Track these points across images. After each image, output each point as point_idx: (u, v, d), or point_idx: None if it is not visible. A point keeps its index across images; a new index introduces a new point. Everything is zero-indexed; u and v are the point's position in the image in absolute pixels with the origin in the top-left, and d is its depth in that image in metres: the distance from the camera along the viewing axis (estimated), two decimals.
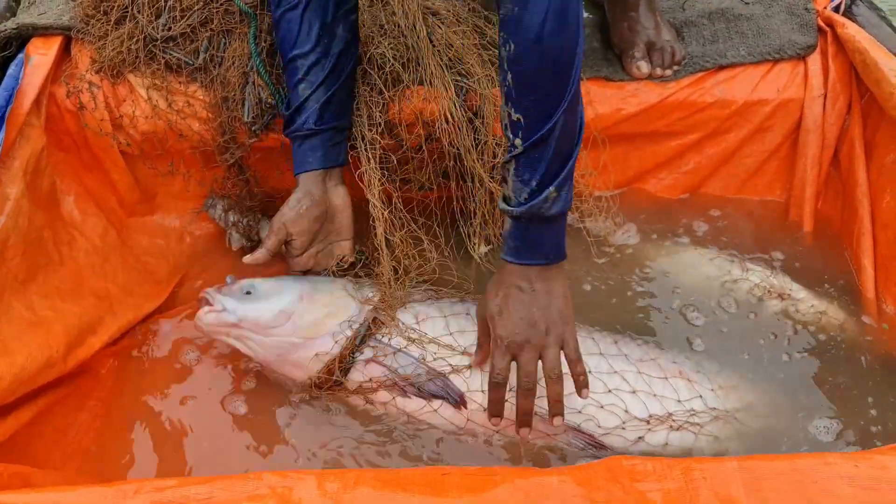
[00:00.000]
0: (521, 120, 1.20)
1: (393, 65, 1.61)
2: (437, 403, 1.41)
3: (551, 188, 1.23)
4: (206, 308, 1.46)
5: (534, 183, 1.23)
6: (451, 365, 1.43)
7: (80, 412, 1.51)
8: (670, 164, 1.91)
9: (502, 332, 1.31)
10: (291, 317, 1.45)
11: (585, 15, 1.86)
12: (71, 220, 1.69)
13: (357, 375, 1.45)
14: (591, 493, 1.01)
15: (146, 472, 1.43)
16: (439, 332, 1.48)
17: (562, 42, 1.15)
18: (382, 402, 1.45)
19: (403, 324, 1.48)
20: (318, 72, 1.53)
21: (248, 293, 1.48)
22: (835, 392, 1.52)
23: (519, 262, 1.29)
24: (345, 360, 1.44)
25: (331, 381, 1.45)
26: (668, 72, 1.79)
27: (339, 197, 1.61)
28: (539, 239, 1.28)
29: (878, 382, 1.53)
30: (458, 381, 1.42)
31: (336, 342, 1.46)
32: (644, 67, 1.78)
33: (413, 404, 1.42)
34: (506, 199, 1.28)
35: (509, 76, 1.19)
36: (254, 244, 1.83)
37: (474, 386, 1.42)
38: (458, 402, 1.40)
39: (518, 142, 1.22)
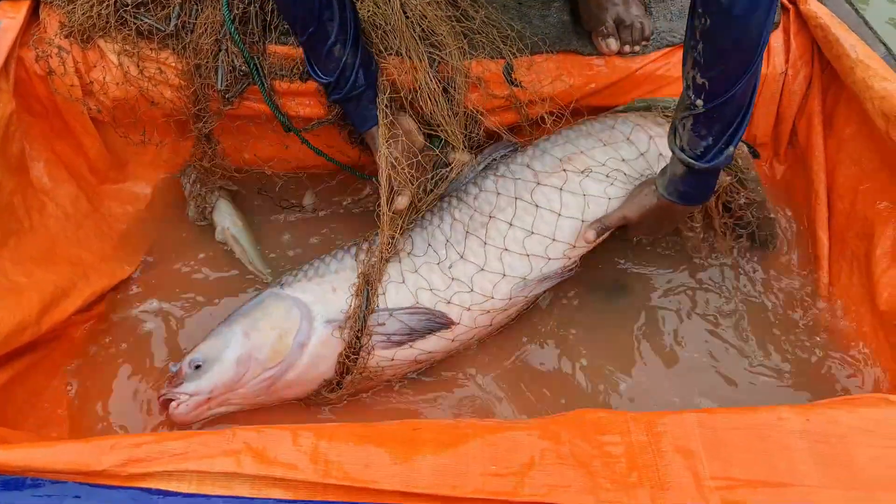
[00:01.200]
0: (706, 84, 1.27)
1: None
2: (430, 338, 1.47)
3: (731, 147, 1.34)
4: (173, 405, 1.43)
5: (710, 139, 1.33)
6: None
7: (53, 378, 1.53)
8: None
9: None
10: (250, 357, 1.44)
11: None
12: (41, 186, 1.69)
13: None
14: (557, 447, 1.06)
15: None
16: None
17: (754, 20, 1.19)
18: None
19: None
20: (345, 33, 1.51)
21: (198, 366, 1.45)
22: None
23: (684, 203, 1.47)
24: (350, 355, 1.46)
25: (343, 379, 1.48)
26: (637, 48, 1.82)
27: (408, 121, 1.64)
28: (708, 186, 1.44)
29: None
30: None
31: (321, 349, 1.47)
32: (613, 45, 1.80)
33: (409, 351, 1.48)
34: (681, 148, 1.38)
35: (700, 46, 1.24)
36: (204, 222, 1.85)
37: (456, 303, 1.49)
38: (447, 323, 1.48)
39: (699, 102, 1.29)
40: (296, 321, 1.47)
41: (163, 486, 0.98)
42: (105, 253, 1.72)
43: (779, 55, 1.84)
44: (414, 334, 1.45)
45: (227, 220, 1.83)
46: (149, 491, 0.98)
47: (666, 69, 1.83)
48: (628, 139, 1.68)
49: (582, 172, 1.62)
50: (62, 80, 1.66)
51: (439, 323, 1.47)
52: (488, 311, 1.52)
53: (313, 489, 0.99)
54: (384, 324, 1.45)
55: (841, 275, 1.70)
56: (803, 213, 1.82)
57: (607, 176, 1.62)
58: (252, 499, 0.98)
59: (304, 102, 1.72)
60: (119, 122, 1.76)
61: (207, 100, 1.69)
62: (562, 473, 1.02)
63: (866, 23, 1.86)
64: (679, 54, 1.84)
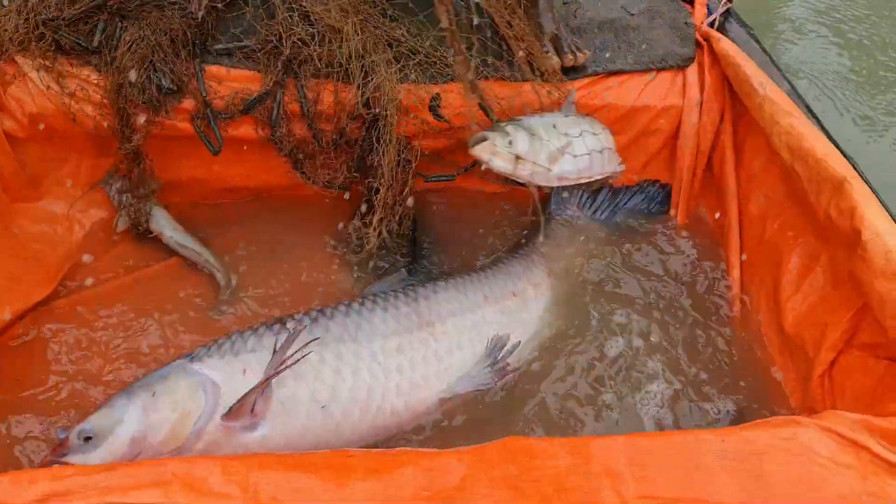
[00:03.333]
0: None
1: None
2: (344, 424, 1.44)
3: None
4: None
5: None
6: None
7: None
8: None
9: None
10: (145, 438, 1.33)
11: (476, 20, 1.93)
12: None
13: (250, 440, 1.39)
14: (489, 470, 1.07)
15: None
16: None
17: None
18: None
19: None
20: None
21: (88, 438, 1.31)
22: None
23: None
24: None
25: None
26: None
27: None
28: None
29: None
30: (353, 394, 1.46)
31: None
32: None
33: (324, 430, 1.43)
34: None
35: None
36: (140, 231, 1.81)
37: (375, 388, 1.48)
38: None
39: None
40: (199, 404, 1.37)
41: None
42: (18, 275, 1.65)
43: (694, 87, 1.94)
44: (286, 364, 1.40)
45: (166, 227, 1.81)
46: None
47: (590, 97, 1.93)
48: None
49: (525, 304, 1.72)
50: None
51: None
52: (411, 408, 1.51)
53: None
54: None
55: (751, 297, 1.79)
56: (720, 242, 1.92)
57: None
58: None
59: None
60: (35, 137, 1.69)
61: (130, 118, 1.65)
62: (493, 496, 1.04)
63: (772, 61, 1.98)
64: (601, 85, 1.93)
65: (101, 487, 0.97)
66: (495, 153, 1.61)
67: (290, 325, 1.52)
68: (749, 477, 1.10)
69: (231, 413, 1.36)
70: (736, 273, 1.83)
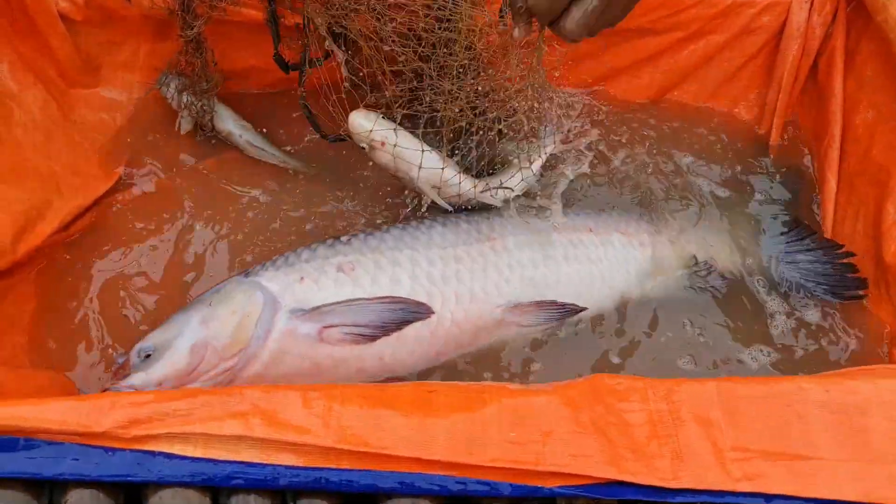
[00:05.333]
0: None
1: None
2: (407, 332, 1.38)
3: None
4: None
5: None
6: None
7: (28, 302, 1.44)
8: (645, 64, 1.86)
9: None
10: (207, 345, 1.30)
11: None
12: (6, 90, 1.54)
13: (318, 351, 1.36)
14: (576, 413, 1.02)
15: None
16: None
17: None
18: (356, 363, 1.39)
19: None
20: None
21: (148, 356, 1.31)
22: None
23: None
24: None
25: None
26: None
27: None
28: None
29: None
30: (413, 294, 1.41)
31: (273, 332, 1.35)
32: None
33: (385, 343, 1.37)
34: None
35: None
36: (205, 132, 1.73)
37: (434, 294, 1.42)
38: (425, 313, 1.38)
39: None
40: (258, 304, 1.34)
41: (167, 448, 0.93)
42: (78, 167, 1.60)
43: None
44: (387, 326, 1.35)
45: (233, 125, 1.73)
46: (153, 454, 0.92)
47: None
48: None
49: (601, 244, 1.59)
50: None
51: (416, 312, 1.37)
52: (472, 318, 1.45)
53: (325, 455, 0.95)
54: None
55: (846, 221, 1.67)
56: (815, 157, 1.77)
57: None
58: (261, 464, 0.94)
59: None
60: (91, 20, 1.59)
61: (192, 2, 1.53)
62: (582, 442, 0.99)
63: None
64: None
65: (180, 415, 0.94)
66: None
67: (344, 239, 1.48)
68: (850, 433, 1.03)
69: (303, 314, 1.35)
70: (831, 190, 1.70)
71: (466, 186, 1.53)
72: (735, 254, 1.67)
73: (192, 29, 1.54)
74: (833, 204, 1.70)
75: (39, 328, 1.42)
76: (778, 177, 1.80)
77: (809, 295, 1.59)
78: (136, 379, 1.29)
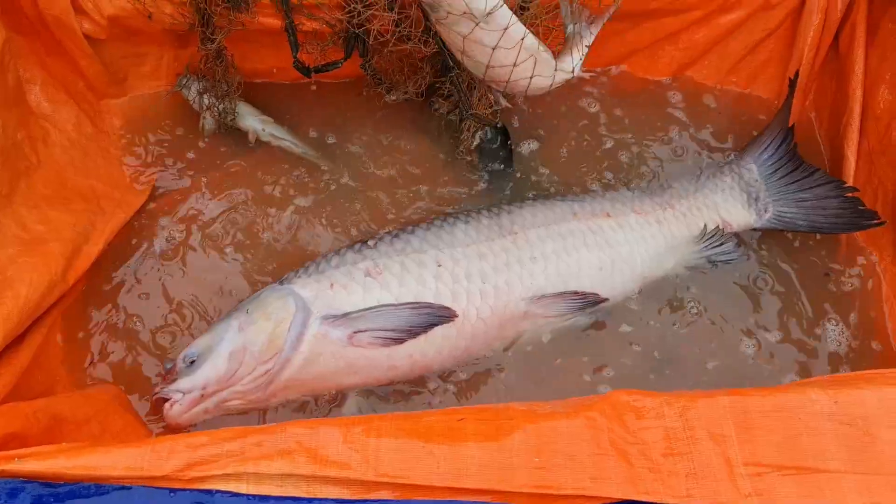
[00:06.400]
0: None
1: None
2: (435, 331, 1.45)
3: None
4: (167, 406, 1.39)
5: None
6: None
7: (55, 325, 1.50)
8: (664, 43, 1.85)
9: None
10: (245, 350, 1.40)
11: None
12: (41, 111, 1.60)
13: (350, 352, 1.44)
14: (597, 435, 1.09)
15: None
16: None
17: None
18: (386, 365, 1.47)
19: None
20: None
21: (192, 362, 1.41)
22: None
23: None
24: None
25: None
26: None
27: None
28: None
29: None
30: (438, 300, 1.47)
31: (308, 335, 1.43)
32: None
33: (414, 343, 1.45)
34: None
35: None
36: (228, 130, 1.77)
37: (459, 293, 1.48)
38: (450, 316, 1.45)
39: None
40: (290, 310, 1.42)
41: (223, 486, 1.02)
42: (116, 179, 1.66)
43: None
44: (414, 330, 1.43)
45: (255, 121, 1.77)
46: (210, 493, 1.02)
47: None
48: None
49: (619, 227, 1.61)
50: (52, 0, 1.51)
51: (441, 316, 1.44)
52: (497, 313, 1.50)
53: (366, 487, 1.04)
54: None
55: (864, 200, 1.68)
56: (833, 134, 1.76)
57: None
58: (307, 498, 1.03)
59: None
60: (115, 37, 1.63)
61: (211, 14, 1.56)
62: (603, 465, 1.07)
63: None
64: None
65: (233, 456, 1.03)
66: None
67: (371, 243, 1.55)
68: (859, 444, 1.09)
69: (334, 320, 1.43)
70: (850, 168, 1.70)
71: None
72: (749, 208, 1.70)
73: (212, 42, 1.57)
74: (852, 182, 1.70)
75: (77, 347, 1.51)
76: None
77: (823, 231, 1.66)
78: (183, 384, 1.41)
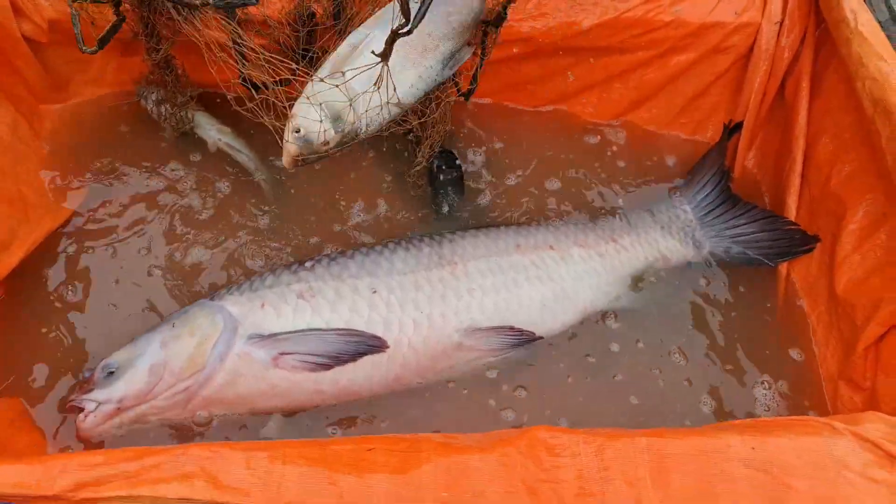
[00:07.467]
0: None
1: None
2: (364, 359, 1.42)
3: None
4: (80, 417, 1.35)
5: None
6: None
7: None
8: (613, 82, 1.86)
9: None
10: (165, 366, 1.36)
11: None
12: None
13: (273, 374, 1.40)
14: (509, 473, 1.07)
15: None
16: None
17: None
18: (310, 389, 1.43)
19: None
20: None
21: (111, 373, 1.37)
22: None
23: None
24: None
25: None
26: None
27: None
28: None
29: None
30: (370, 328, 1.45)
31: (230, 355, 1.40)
32: None
33: (342, 368, 1.41)
34: None
35: None
36: (187, 138, 1.75)
37: (392, 321, 1.46)
38: (380, 346, 1.42)
39: None
40: (217, 328, 1.39)
41: None
42: (46, 187, 1.62)
43: (776, 2, 1.73)
44: (341, 357, 1.40)
45: (212, 131, 1.76)
46: None
47: (656, 12, 1.72)
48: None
49: (562, 260, 1.61)
50: None
51: (371, 346, 1.42)
52: (430, 344, 1.48)
53: None
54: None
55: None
56: (776, 181, 1.78)
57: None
58: None
59: None
60: (57, 41, 1.60)
61: (155, 24, 1.53)
62: (511, 502, 1.04)
63: None
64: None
65: (128, 477, 0.99)
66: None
67: (308, 265, 1.52)
68: (774, 493, 1.08)
69: (259, 340, 1.40)
70: (791, 215, 1.71)
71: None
72: (686, 245, 1.71)
73: (157, 52, 1.55)
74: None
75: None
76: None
77: (760, 263, 1.68)
78: (99, 394, 1.36)
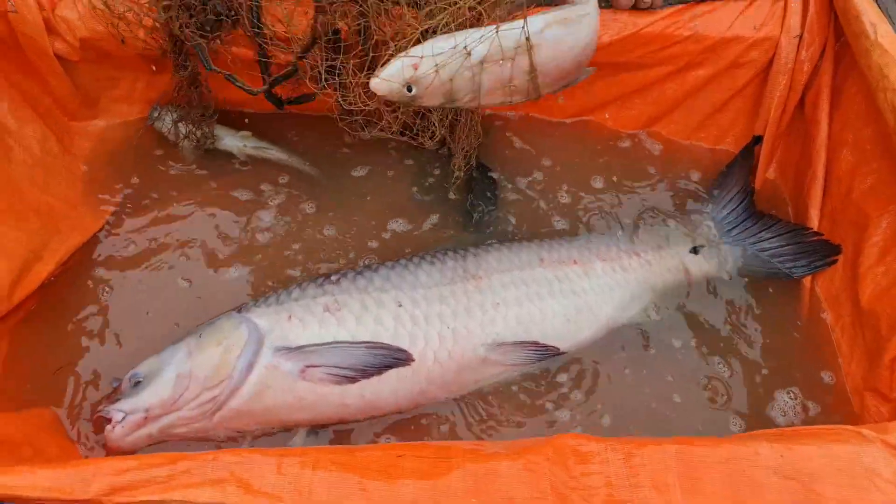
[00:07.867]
0: None
1: None
2: (389, 373, 1.42)
3: None
4: (108, 428, 1.35)
5: None
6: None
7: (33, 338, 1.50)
8: (632, 97, 1.88)
9: None
10: (191, 375, 1.37)
11: None
12: (5, 127, 1.59)
13: (300, 387, 1.40)
14: (537, 480, 1.07)
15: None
16: None
17: None
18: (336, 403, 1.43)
19: None
20: None
21: (138, 382, 1.39)
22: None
23: None
24: None
25: None
26: (658, 0, 1.71)
27: None
28: None
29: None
30: (396, 341, 1.45)
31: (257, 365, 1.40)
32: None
33: (367, 382, 1.41)
34: None
35: None
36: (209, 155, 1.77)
37: (417, 335, 1.46)
38: (406, 359, 1.42)
39: None
40: (243, 338, 1.40)
41: None
42: (77, 200, 1.65)
43: (795, 16, 1.74)
44: (367, 370, 1.40)
45: (234, 139, 1.79)
46: None
47: (675, 28, 1.74)
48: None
49: (585, 274, 1.62)
50: (24, 19, 1.52)
51: (397, 359, 1.41)
52: (455, 358, 1.48)
53: None
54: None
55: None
56: (797, 193, 1.78)
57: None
58: None
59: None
60: (88, 59, 1.64)
61: (183, 41, 1.57)
62: None
63: None
64: (689, 13, 1.74)
65: (160, 482, 1.00)
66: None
67: (333, 278, 1.53)
68: (803, 500, 1.08)
69: (287, 352, 1.41)
70: (814, 226, 1.72)
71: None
72: (710, 259, 1.71)
73: (185, 69, 1.58)
74: None
75: (19, 364, 1.47)
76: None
77: (784, 276, 1.68)
78: (126, 404, 1.37)
